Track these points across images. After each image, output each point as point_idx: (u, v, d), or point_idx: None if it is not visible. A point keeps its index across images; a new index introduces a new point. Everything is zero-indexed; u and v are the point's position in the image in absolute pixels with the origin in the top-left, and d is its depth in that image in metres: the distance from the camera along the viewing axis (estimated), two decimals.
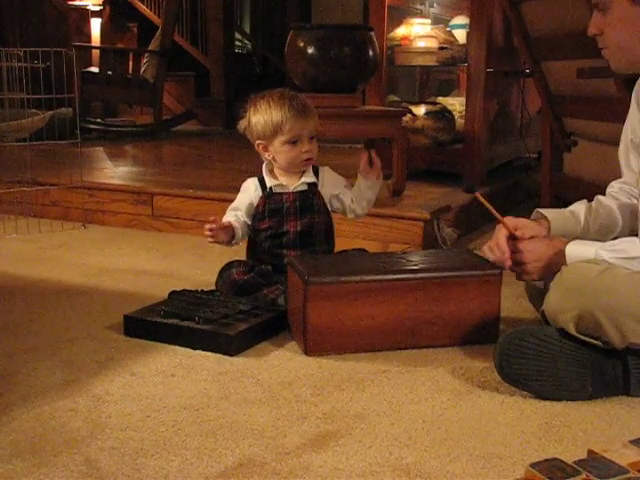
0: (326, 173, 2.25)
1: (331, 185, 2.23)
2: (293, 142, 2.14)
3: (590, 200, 1.93)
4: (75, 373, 1.72)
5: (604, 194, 1.96)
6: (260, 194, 2.20)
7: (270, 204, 2.19)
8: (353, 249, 2.28)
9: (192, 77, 7.57)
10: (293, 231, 2.18)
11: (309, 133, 2.15)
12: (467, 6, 3.72)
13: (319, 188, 2.22)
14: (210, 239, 2.12)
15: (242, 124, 2.20)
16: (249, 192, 2.23)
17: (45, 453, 1.36)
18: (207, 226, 2.10)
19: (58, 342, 1.93)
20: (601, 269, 1.56)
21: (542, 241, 1.77)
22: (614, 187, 1.95)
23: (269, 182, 2.20)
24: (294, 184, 2.20)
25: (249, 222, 2.22)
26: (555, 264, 1.70)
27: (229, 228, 2.15)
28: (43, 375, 1.71)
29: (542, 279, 1.79)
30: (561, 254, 1.70)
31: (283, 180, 2.20)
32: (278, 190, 2.20)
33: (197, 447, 1.38)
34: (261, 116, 2.14)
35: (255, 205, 2.21)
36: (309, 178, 2.20)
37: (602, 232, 1.87)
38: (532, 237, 1.79)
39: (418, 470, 1.31)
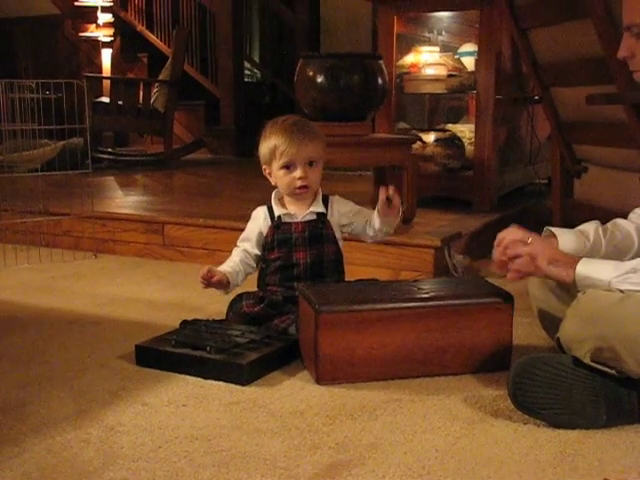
0: (336, 203, 2.22)
1: (341, 214, 2.21)
2: (287, 167, 2.12)
3: (603, 224, 1.92)
4: (87, 403, 1.72)
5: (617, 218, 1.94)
6: (269, 223, 2.20)
7: (279, 234, 2.18)
8: (367, 279, 2.26)
9: (202, 106, 7.61)
10: (303, 262, 2.16)
11: (306, 159, 2.11)
12: (475, 34, 3.75)
13: (328, 217, 2.20)
14: (204, 287, 2.15)
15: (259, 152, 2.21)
16: (258, 221, 2.23)
17: None
18: (201, 276, 2.12)
19: (70, 372, 1.93)
20: (619, 297, 1.55)
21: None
22: (636, 212, 1.94)
23: (277, 211, 2.20)
24: (302, 213, 2.18)
25: (259, 253, 2.22)
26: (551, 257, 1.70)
27: (223, 280, 2.15)
28: (55, 405, 1.71)
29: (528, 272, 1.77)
30: (560, 254, 1.70)
31: (291, 209, 2.19)
32: (286, 219, 2.19)
33: (209, 478, 1.38)
34: (265, 141, 2.15)
35: (264, 235, 2.21)
36: (318, 208, 2.19)
37: (616, 253, 1.86)
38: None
39: None
